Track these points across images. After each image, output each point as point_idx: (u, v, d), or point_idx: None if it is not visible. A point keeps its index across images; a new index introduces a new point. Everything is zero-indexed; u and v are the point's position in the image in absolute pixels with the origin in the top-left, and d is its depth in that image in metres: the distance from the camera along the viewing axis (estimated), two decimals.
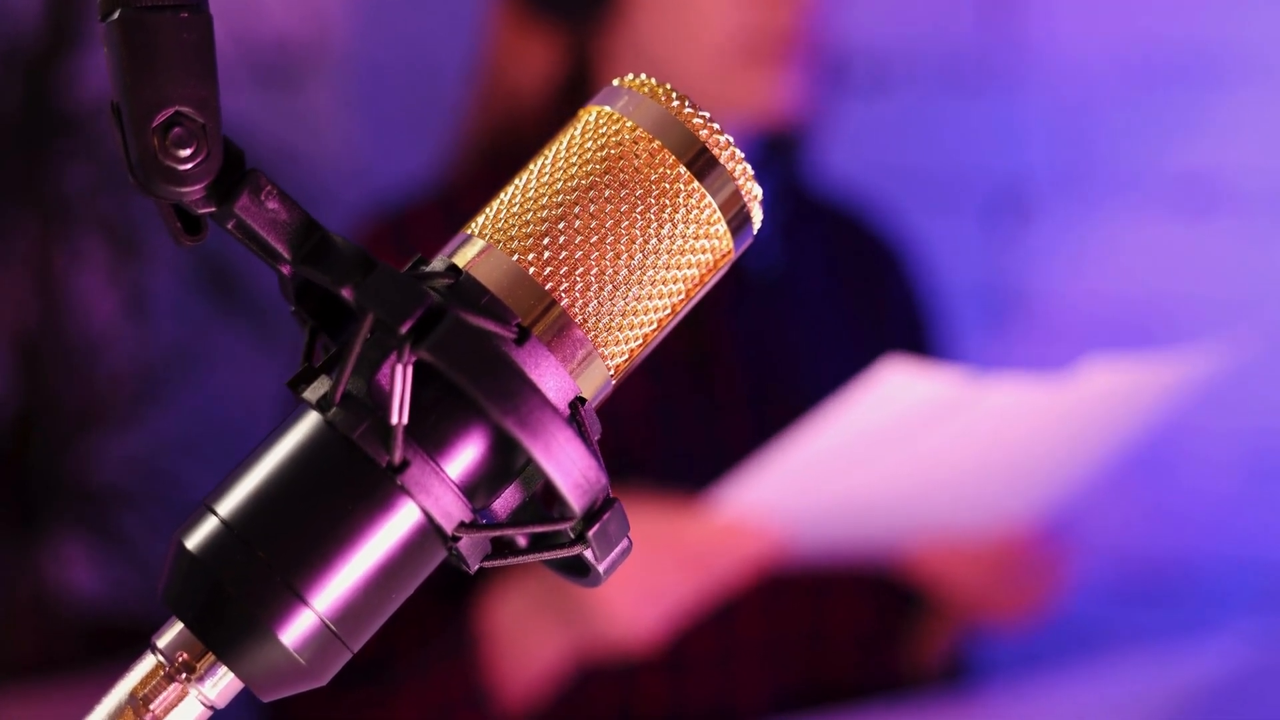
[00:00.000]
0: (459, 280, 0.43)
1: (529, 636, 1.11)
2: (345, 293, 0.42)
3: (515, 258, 0.43)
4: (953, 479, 1.15)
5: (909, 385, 1.04)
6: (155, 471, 1.70)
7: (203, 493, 1.45)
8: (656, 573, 1.07)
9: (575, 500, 0.42)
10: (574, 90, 1.24)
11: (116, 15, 0.41)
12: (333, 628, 0.42)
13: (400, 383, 0.41)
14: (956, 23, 1.68)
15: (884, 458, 1.08)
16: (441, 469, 0.42)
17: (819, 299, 1.32)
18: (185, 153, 0.41)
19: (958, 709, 1.22)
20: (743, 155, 0.45)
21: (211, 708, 0.42)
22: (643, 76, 0.46)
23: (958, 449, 1.11)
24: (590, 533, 0.42)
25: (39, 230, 1.65)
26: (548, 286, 0.43)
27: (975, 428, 1.09)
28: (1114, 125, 1.64)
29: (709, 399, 1.23)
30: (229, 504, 0.42)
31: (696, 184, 0.44)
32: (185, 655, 0.42)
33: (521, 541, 0.45)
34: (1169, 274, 1.62)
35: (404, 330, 0.40)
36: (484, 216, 0.45)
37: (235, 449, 1.48)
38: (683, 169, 0.44)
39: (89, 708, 1.48)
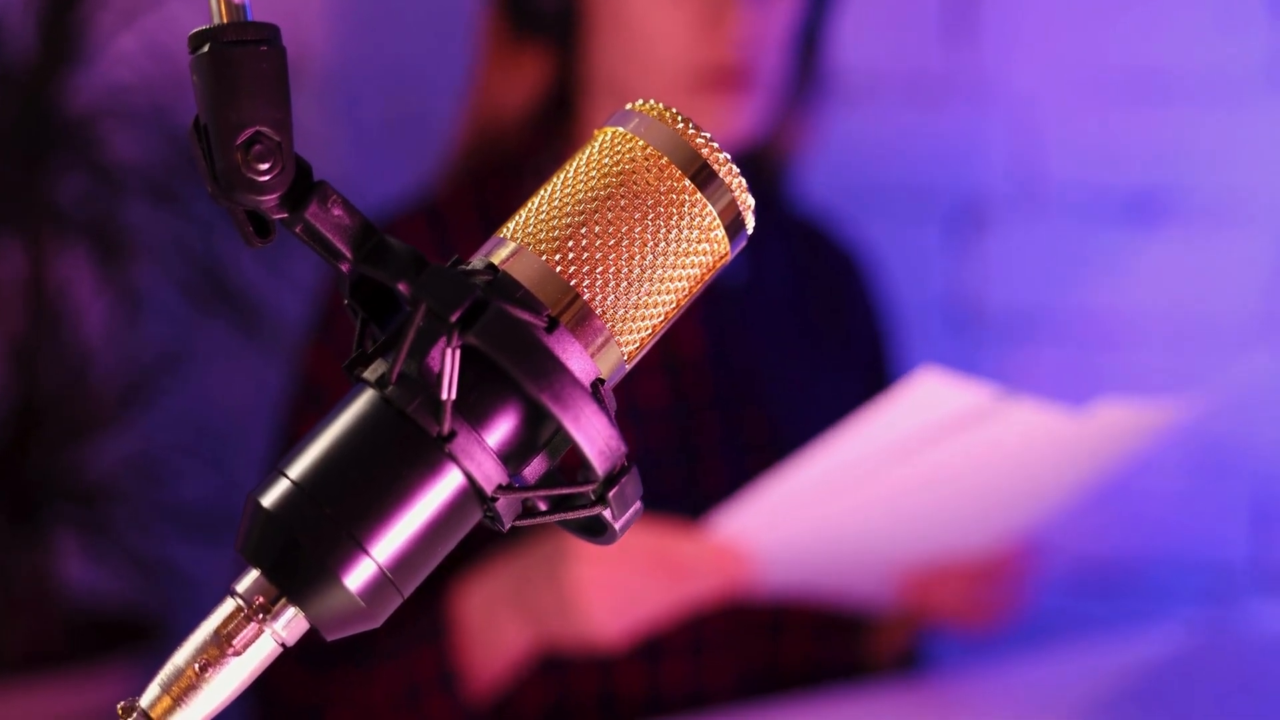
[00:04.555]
0: (496, 277, 0.50)
1: (495, 627, 1.16)
2: (401, 287, 0.48)
3: (544, 257, 0.50)
4: (946, 502, 1.18)
5: (941, 397, 1.06)
6: (147, 470, 1.74)
7: (196, 489, 1.51)
8: (633, 582, 1.13)
9: (599, 464, 0.48)
10: (556, 108, 1.30)
11: (206, 49, 0.48)
12: (389, 575, 0.48)
13: (449, 364, 0.47)
14: (919, 43, 1.74)
15: (886, 476, 1.11)
16: (483, 439, 0.49)
17: (783, 309, 1.38)
18: (264, 166, 0.48)
19: (914, 694, 1.28)
20: (738, 170, 0.52)
21: (283, 645, 0.49)
22: (651, 101, 0.52)
23: (957, 469, 1.13)
24: (610, 494, 0.49)
25: (33, 238, 1.70)
26: (572, 282, 0.50)
27: (980, 449, 1.11)
28: (1069, 142, 1.70)
29: (680, 403, 1.29)
30: (299, 468, 0.48)
31: (699, 195, 0.51)
32: (261, 599, 0.48)
33: (543, 506, 0.51)
34: (1121, 285, 1.69)
35: (453, 319, 0.47)
36: (514, 222, 0.51)
37: (225, 448, 1.54)
38: (687, 182, 0.51)
39: (83, 700, 1.54)
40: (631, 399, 1.27)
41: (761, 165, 1.36)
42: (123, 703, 0.48)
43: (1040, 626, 1.47)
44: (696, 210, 0.51)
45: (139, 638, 1.68)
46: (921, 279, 1.71)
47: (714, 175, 0.51)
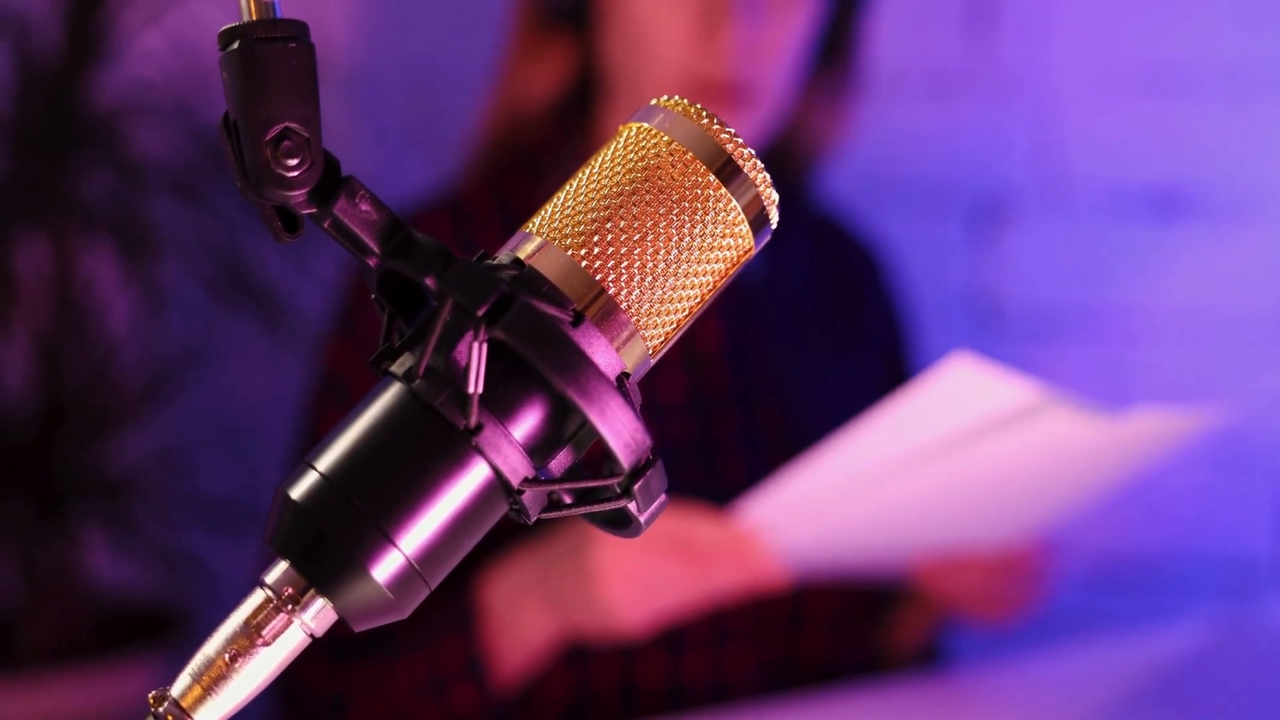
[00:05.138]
0: (523, 271, 0.50)
1: (521, 616, 1.16)
2: (429, 281, 0.49)
3: (569, 252, 0.50)
4: (968, 497, 1.18)
5: (973, 386, 1.05)
6: (171, 464, 1.75)
7: (219, 483, 1.51)
8: (657, 570, 1.13)
9: (625, 458, 0.49)
10: (579, 104, 1.31)
11: (236, 46, 0.48)
12: (417, 567, 0.48)
13: (476, 358, 0.48)
14: (941, 39, 1.75)
15: (914, 470, 1.10)
16: (509, 432, 0.49)
17: (802, 305, 1.38)
18: (293, 162, 0.48)
19: (935, 688, 1.28)
20: (762, 165, 0.52)
21: (312, 635, 0.49)
22: (676, 97, 0.53)
23: (982, 467, 1.13)
24: (635, 487, 0.49)
25: (59, 234, 1.71)
26: (597, 277, 0.50)
27: (1006, 448, 1.10)
28: (1091, 138, 1.70)
29: (700, 397, 1.30)
30: (327, 461, 0.49)
31: (724, 190, 0.51)
32: (290, 590, 0.48)
33: (568, 499, 0.52)
34: (1144, 281, 1.68)
35: (480, 313, 0.47)
36: (540, 217, 0.52)
37: (248, 442, 1.55)
38: (712, 177, 0.51)
39: (109, 692, 1.56)
40: (652, 394, 1.27)
41: (783, 161, 1.36)
42: (154, 692, 0.48)
43: (1061, 622, 1.47)
44: (721, 205, 0.51)
45: (163, 630, 1.69)
46: (942, 275, 1.71)
47: (739, 170, 0.51)
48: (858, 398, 1.30)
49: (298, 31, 0.49)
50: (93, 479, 1.71)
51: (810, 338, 1.37)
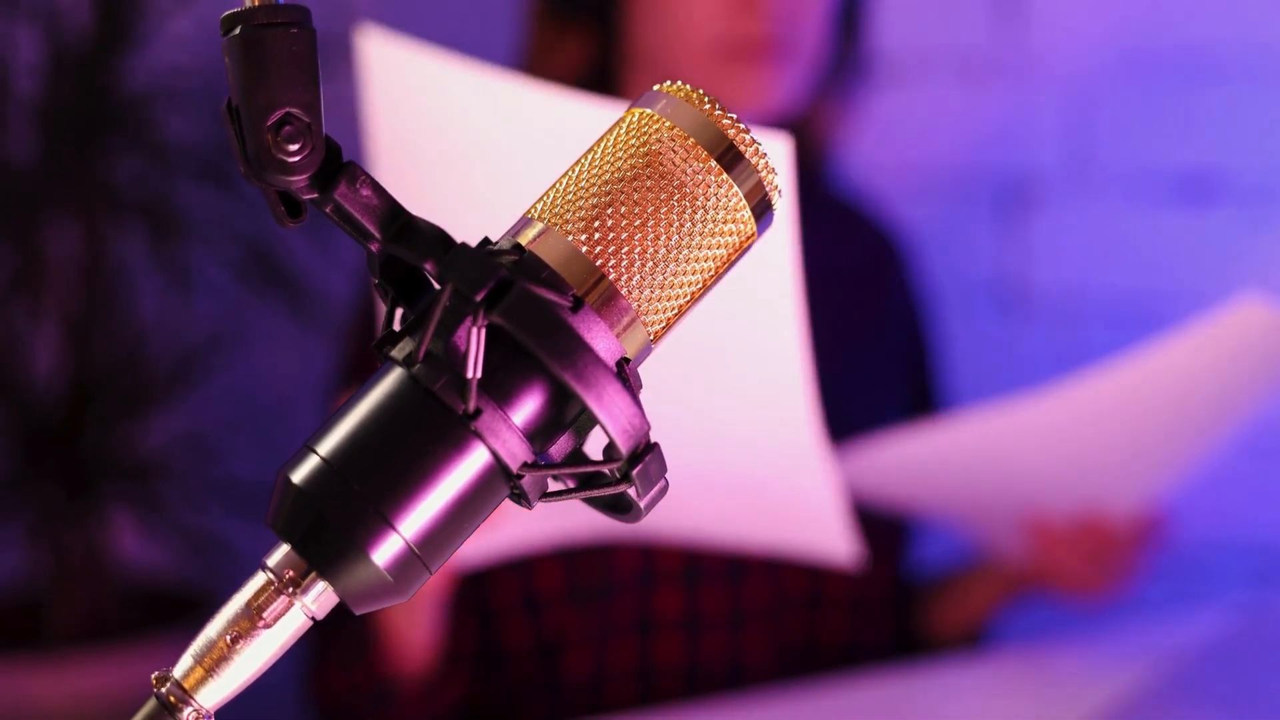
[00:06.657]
0: (523, 257, 0.50)
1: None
2: (428, 267, 0.48)
3: (570, 238, 0.50)
4: (1093, 448, 1.17)
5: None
6: (198, 447, 1.76)
7: (244, 465, 1.52)
8: None
9: (623, 443, 0.49)
10: (598, 89, 1.31)
11: (237, 32, 0.48)
12: (416, 550, 0.48)
13: (475, 343, 0.48)
14: (969, 22, 1.74)
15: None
16: (508, 417, 0.49)
17: (821, 290, 1.38)
18: (294, 147, 0.48)
19: (958, 673, 1.28)
20: (765, 151, 0.52)
21: (312, 618, 0.49)
22: (679, 83, 0.52)
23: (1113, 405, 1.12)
24: (634, 472, 0.49)
25: (89, 218, 1.72)
26: (598, 263, 0.50)
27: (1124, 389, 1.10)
28: (1119, 121, 1.69)
29: None
30: (328, 445, 0.49)
31: (725, 176, 0.51)
32: (291, 573, 0.49)
33: (569, 483, 0.52)
34: (1170, 264, 1.67)
35: (479, 298, 0.47)
36: (542, 202, 0.52)
37: (274, 425, 1.56)
38: (713, 163, 0.51)
39: (136, 672, 1.57)
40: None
41: (803, 146, 1.36)
42: (157, 673, 0.49)
43: (1089, 608, 1.46)
44: (723, 191, 0.51)
45: (189, 611, 1.70)
46: (970, 259, 1.70)
47: (740, 156, 0.51)
48: (876, 384, 1.30)
49: (299, 16, 0.49)
50: (121, 461, 1.72)
51: (830, 324, 1.36)
